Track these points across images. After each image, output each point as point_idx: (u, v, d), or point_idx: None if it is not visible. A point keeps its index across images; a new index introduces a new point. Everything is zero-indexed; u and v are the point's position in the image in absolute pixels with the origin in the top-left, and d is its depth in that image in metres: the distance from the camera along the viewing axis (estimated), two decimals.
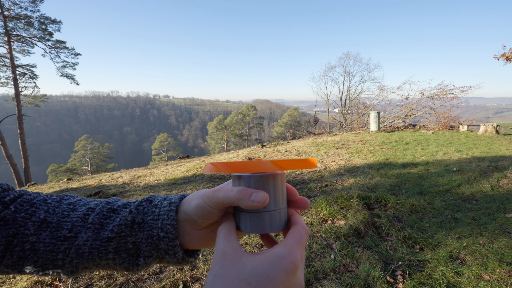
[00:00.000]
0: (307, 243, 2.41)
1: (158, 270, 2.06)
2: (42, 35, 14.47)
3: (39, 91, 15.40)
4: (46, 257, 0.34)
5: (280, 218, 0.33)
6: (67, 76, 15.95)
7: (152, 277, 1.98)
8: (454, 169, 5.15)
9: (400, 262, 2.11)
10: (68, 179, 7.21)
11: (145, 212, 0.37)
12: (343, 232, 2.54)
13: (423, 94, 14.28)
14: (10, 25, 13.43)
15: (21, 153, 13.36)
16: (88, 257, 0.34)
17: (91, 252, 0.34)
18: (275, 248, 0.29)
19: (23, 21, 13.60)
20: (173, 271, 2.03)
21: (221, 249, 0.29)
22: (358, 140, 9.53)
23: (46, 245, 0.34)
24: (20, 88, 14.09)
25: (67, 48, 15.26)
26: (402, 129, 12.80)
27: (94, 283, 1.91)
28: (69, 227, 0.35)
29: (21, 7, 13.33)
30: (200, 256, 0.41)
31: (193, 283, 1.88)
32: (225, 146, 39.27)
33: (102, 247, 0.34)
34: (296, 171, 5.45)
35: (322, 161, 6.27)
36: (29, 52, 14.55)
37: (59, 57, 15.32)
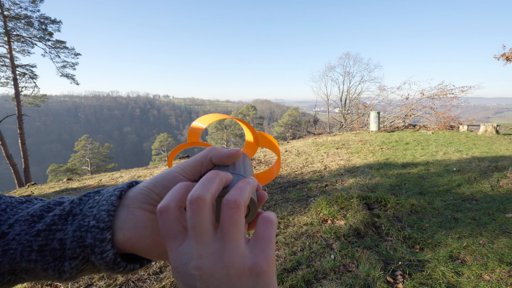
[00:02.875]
0: (307, 243, 2.41)
1: (158, 270, 2.06)
2: (42, 35, 14.46)
3: (39, 91, 15.39)
4: None
5: None
6: (67, 76, 15.95)
7: (152, 277, 1.98)
8: (454, 169, 5.15)
9: (400, 262, 2.11)
10: (68, 179, 7.21)
11: (87, 203, 0.30)
12: (343, 232, 2.54)
13: (423, 94, 14.28)
14: (10, 25, 13.42)
15: (21, 153, 13.35)
16: (11, 255, 0.27)
17: (16, 249, 0.27)
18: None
19: (23, 21, 13.60)
20: None
21: None
22: (358, 140, 9.53)
23: None
24: (20, 88, 14.09)
25: (67, 48, 15.25)
26: (402, 129, 12.80)
27: (94, 283, 1.91)
28: (11, 222, 0.29)
29: (21, 7, 13.32)
30: (146, 264, 0.32)
31: None
32: (225, 146, 39.28)
33: (28, 242, 0.28)
34: (296, 171, 5.45)
35: (322, 161, 6.27)
36: (29, 52, 14.54)
37: (59, 57, 15.31)
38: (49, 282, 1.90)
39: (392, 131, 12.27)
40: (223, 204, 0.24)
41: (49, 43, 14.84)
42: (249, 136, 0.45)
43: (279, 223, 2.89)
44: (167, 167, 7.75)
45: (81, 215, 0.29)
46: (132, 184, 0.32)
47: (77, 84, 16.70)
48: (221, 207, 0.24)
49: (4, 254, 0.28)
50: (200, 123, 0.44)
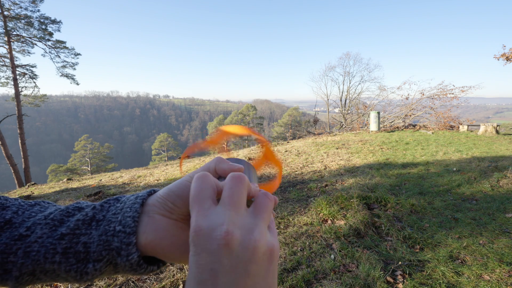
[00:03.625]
0: (307, 243, 2.41)
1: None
2: (42, 35, 14.46)
3: (39, 91, 15.39)
4: None
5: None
6: (67, 76, 15.95)
7: (152, 277, 1.98)
8: (454, 169, 5.15)
9: (400, 262, 2.11)
10: (68, 179, 7.21)
11: (109, 210, 0.33)
12: (343, 232, 2.54)
13: (423, 94, 14.28)
14: (10, 25, 13.42)
15: (21, 153, 13.35)
16: (34, 257, 0.30)
17: (39, 251, 0.30)
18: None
19: (23, 21, 13.59)
20: (173, 271, 2.03)
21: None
22: (358, 140, 9.53)
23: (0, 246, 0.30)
24: (20, 88, 14.09)
25: (67, 48, 15.25)
26: (402, 129, 12.80)
27: (94, 283, 1.91)
28: (28, 225, 0.31)
29: (21, 7, 13.32)
30: (162, 267, 0.35)
31: None
32: (225, 146, 39.25)
33: (51, 245, 0.30)
34: (296, 171, 5.45)
35: (322, 161, 6.27)
36: (29, 52, 14.53)
37: (59, 57, 15.31)
38: (48, 283, 1.90)
39: (392, 131, 12.28)
40: (262, 194, 0.28)
41: (49, 43, 14.84)
42: (263, 154, 0.48)
43: (279, 223, 2.89)
44: (167, 167, 7.75)
45: (106, 221, 0.31)
46: (151, 192, 0.34)
47: (77, 84, 16.70)
48: (257, 196, 0.28)
49: (27, 256, 0.30)
50: (226, 129, 0.46)
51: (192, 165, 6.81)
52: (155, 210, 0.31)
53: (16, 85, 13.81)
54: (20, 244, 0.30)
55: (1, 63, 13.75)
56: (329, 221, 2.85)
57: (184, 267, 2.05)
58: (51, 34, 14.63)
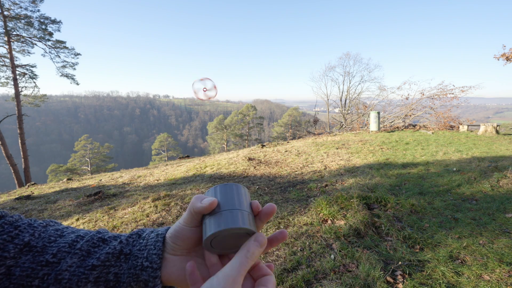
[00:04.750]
0: (307, 243, 2.41)
1: None
2: (42, 35, 14.45)
3: (39, 91, 15.37)
4: (20, 282, 0.31)
5: (243, 217, 0.35)
6: (67, 76, 15.93)
7: None
8: (454, 169, 5.15)
9: (400, 262, 2.11)
10: (68, 179, 7.21)
11: (134, 244, 0.37)
12: (343, 232, 2.54)
13: (423, 94, 14.27)
14: (10, 25, 13.41)
15: (21, 153, 13.35)
16: (66, 284, 0.32)
17: (71, 279, 0.33)
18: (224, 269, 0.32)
19: (23, 21, 13.58)
20: None
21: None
22: (358, 140, 9.53)
23: (24, 269, 0.32)
24: (20, 88, 14.07)
25: (67, 48, 15.24)
26: (402, 129, 12.80)
27: None
28: (54, 252, 0.34)
29: (21, 7, 13.30)
30: None
31: None
32: (225, 146, 39.25)
33: (83, 275, 0.33)
34: (296, 171, 5.45)
35: (322, 161, 6.27)
36: (29, 52, 14.52)
37: (59, 57, 15.29)
38: None
39: (392, 131, 12.27)
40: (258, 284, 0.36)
41: (49, 43, 14.83)
42: None
43: (279, 223, 2.89)
44: (167, 167, 7.72)
45: (133, 256, 0.36)
46: (168, 229, 0.40)
47: (77, 84, 16.68)
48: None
49: (58, 282, 0.32)
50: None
51: (192, 165, 6.81)
52: (164, 251, 0.37)
53: (16, 85, 13.80)
54: (48, 270, 0.33)
55: (1, 63, 13.74)
56: (329, 221, 2.85)
57: None
58: (51, 34, 14.62)
